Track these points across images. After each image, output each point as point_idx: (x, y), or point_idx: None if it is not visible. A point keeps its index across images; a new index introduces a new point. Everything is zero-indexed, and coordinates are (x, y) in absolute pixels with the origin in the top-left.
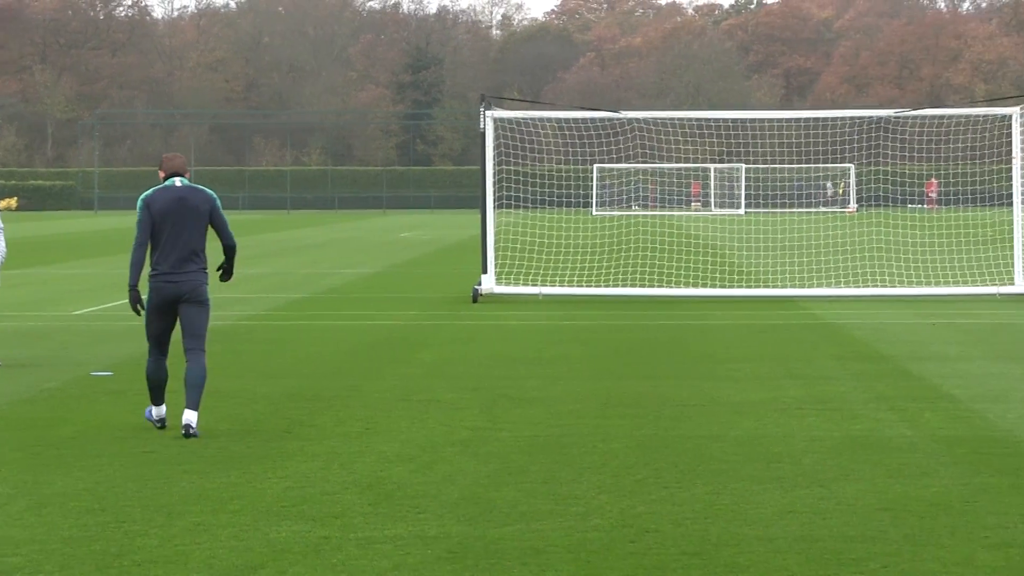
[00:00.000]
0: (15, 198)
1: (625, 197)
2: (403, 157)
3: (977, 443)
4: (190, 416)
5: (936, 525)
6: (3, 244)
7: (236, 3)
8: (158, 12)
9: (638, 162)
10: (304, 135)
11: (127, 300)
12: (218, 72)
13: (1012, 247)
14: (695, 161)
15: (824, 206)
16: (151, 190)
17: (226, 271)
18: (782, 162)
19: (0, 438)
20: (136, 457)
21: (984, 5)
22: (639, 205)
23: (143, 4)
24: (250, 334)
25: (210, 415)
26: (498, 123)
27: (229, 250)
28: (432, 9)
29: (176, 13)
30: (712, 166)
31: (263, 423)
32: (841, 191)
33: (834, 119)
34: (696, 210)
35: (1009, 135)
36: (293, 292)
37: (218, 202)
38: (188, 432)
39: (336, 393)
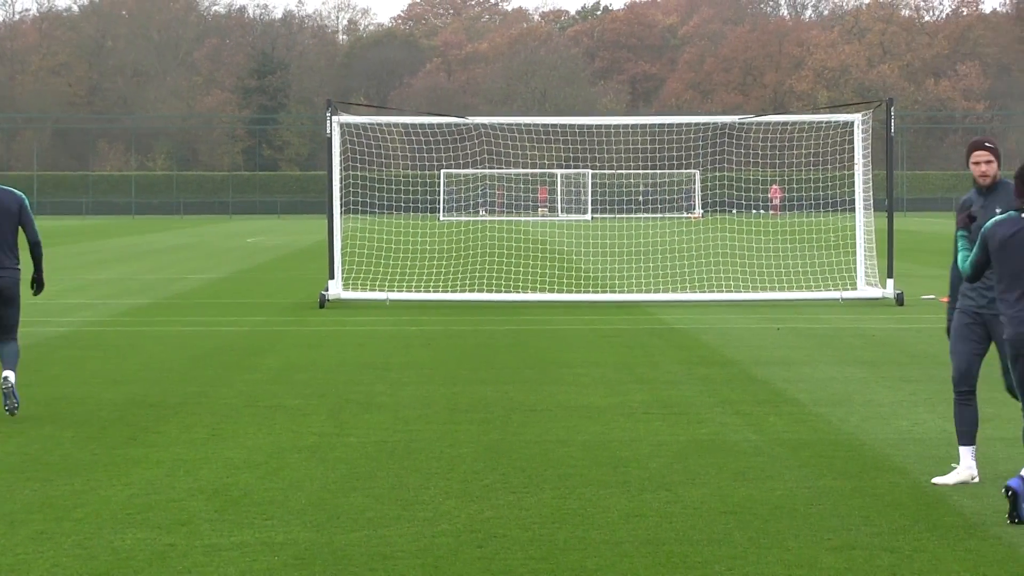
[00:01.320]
0: None
1: (472, 202)
2: (249, 162)
3: (820, 447)
4: (9, 374)
5: (780, 528)
6: None
7: (79, 6)
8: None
9: (485, 167)
10: (149, 140)
11: None
12: (61, 76)
13: (855, 252)
14: (542, 167)
15: (677, 212)
16: None
17: (37, 281)
18: (628, 168)
19: None
20: None
21: (826, 13)
22: (486, 210)
23: None
24: (95, 340)
25: (54, 422)
26: (344, 128)
27: (35, 247)
28: (278, 14)
29: (17, 16)
30: (559, 171)
31: (108, 430)
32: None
33: (679, 125)
34: (543, 215)
35: (851, 141)
36: (138, 298)
37: (27, 202)
38: (7, 384)
39: (182, 399)
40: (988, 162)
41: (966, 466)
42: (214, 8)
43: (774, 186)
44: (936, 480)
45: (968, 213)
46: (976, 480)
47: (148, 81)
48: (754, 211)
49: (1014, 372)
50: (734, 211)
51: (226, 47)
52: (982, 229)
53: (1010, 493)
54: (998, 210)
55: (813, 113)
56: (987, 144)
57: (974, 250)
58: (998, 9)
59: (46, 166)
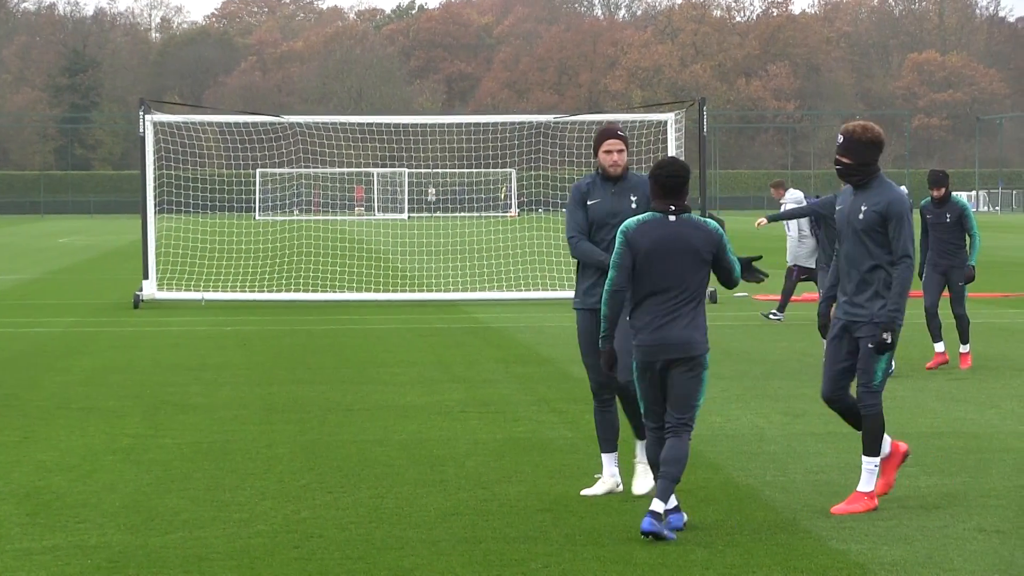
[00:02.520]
0: None
1: (288, 202)
2: (61, 161)
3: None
4: None
5: (596, 524)
6: None
7: None
8: None
9: (302, 167)
10: None
11: None
12: None
13: None
14: (358, 166)
15: (492, 211)
16: None
17: None
18: (445, 166)
19: None
20: None
21: (639, 13)
22: (300, 209)
23: None
24: None
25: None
26: (158, 127)
27: None
28: (89, 11)
29: None
30: (375, 170)
31: None
32: (504, 196)
33: (495, 124)
34: (360, 215)
35: (665, 140)
36: None
37: None
38: None
39: None
40: (620, 151)
41: (610, 474)
42: (24, 5)
43: None
44: (584, 492)
45: None
46: (620, 488)
47: None
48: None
49: (640, 383)
50: (550, 209)
51: (36, 44)
52: (623, 227)
53: (650, 537)
54: (632, 198)
55: (627, 112)
56: (619, 132)
57: (617, 250)
58: (807, 10)
59: None
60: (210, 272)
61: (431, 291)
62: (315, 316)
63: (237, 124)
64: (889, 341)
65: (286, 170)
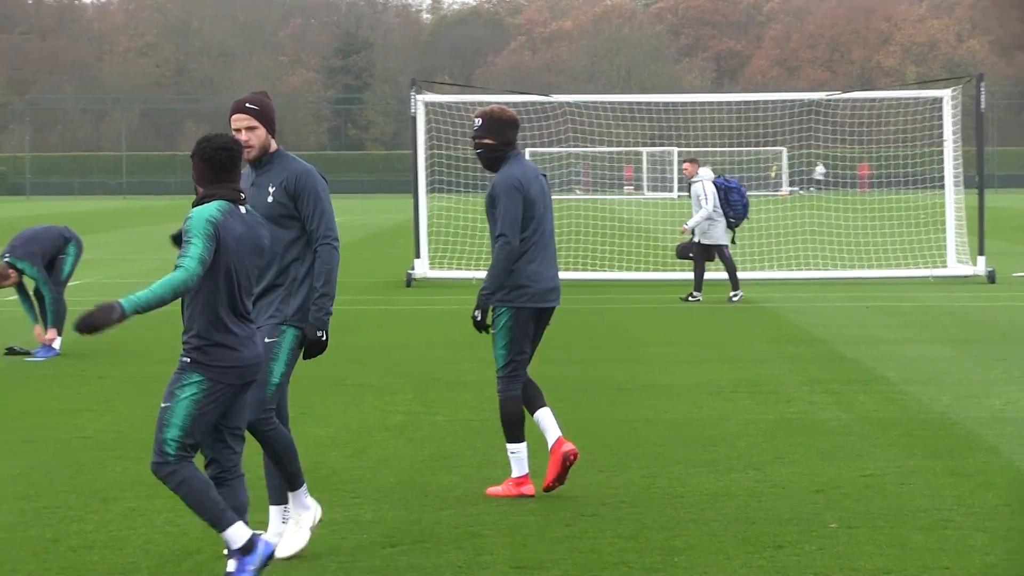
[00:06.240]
0: None
1: (558, 181)
2: (335, 142)
3: (911, 425)
4: None
5: (870, 507)
6: None
7: None
8: None
9: (570, 146)
10: None
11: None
12: (148, 57)
13: (944, 230)
14: (627, 145)
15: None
16: None
17: None
18: (714, 145)
19: None
20: (70, 443)
21: None
22: (581, 189)
23: None
24: None
25: (146, 401)
26: (429, 107)
27: None
28: None
29: None
30: (644, 150)
31: None
32: (774, 174)
33: (765, 102)
34: (629, 194)
35: (940, 118)
36: None
37: None
38: None
39: None
40: None
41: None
42: None
43: (863, 163)
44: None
45: None
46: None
47: (234, 62)
48: (842, 188)
49: None
50: (822, 188)
51: (310, 27)
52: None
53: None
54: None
55: (901, 89)
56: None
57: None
58: None
59: (134, 147)
60: (481, 251)
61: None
62: (583, 295)
63: (506, 103)
64: None
65: (554, 149)
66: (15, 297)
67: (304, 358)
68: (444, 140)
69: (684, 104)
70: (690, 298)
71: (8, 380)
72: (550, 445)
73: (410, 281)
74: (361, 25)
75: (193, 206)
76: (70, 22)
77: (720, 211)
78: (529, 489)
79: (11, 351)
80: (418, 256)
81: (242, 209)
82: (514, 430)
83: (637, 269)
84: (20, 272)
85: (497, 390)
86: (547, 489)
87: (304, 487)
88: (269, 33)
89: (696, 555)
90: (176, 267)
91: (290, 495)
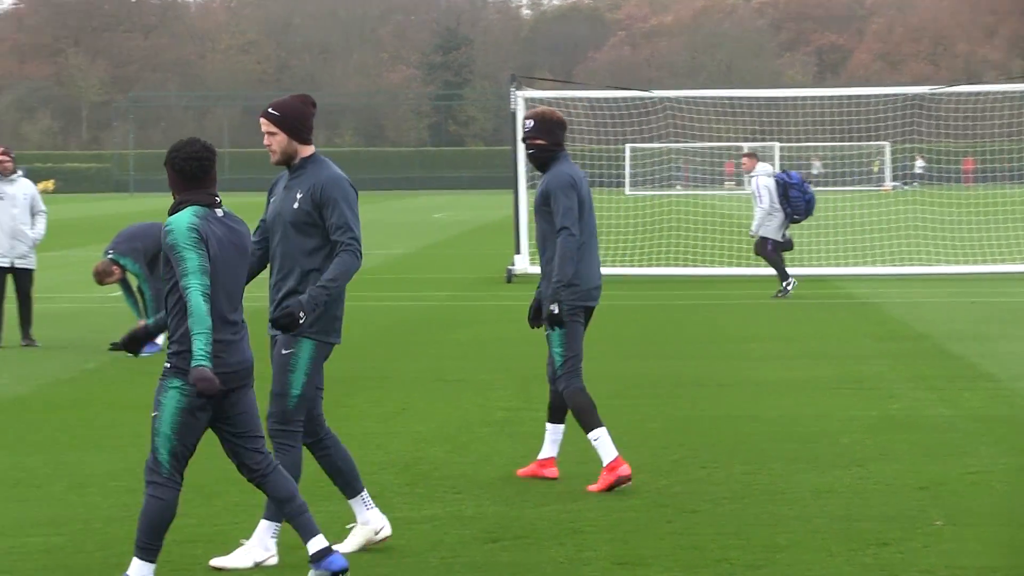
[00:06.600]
0: (52, 181)
1: (659, 176)
2: (435, 138)
3: (1018, 423)
4: None
5: (976, 505)
6: (43, 227)
7: None
8: None
9: (671, 141)
10: (336, 117)
11: None
12: (249, 54)
13: None
14: (728, 140)
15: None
16: None
17: None
18: (816, 140)
19: (41, 418)
20: None
21: None
22: (682, 185)
23: None
24: None
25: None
26: (529, 103)
27: None
28: None
29: None
30: (745, 144)
31: None
32: (876, 169)
33: (868, 96)
34: (729, 189)
35: None
36: None
37: None
38: None
39: (370, 374)
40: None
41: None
42: None
43: (968, 158)
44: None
45: None
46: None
47: (334, 58)
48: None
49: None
50: (926, 183)
51: (411, 24)
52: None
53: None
54: None
55: (1007, 82)
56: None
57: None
58: None
59: (237, 143)
60: None
61: (803, 265)
62: (683, 291)
63: (606, 99)
64: None
65: (655, 145)
66: (119, 293)
67: (269, 320)
68: None
69: (786, 99)
70: (779, 294)
71: (114, 375)
72: (541, 456)
73: (511, 277)
74: (461, 21)
75: (169, 213)
76: (173, 20)
77: (778, 207)
78: (625, 470)
79: (116, 347)
80: (518, 252)
81: (218, 212)
82: (589, 418)
83: (738, 265)
84: (123, 268)
85: (561, 388)
86: (522, 475)
87: (363, 492)
88: (369, 30)
89: (799, 552)
90: (185, 288)
91: (350, 502)
